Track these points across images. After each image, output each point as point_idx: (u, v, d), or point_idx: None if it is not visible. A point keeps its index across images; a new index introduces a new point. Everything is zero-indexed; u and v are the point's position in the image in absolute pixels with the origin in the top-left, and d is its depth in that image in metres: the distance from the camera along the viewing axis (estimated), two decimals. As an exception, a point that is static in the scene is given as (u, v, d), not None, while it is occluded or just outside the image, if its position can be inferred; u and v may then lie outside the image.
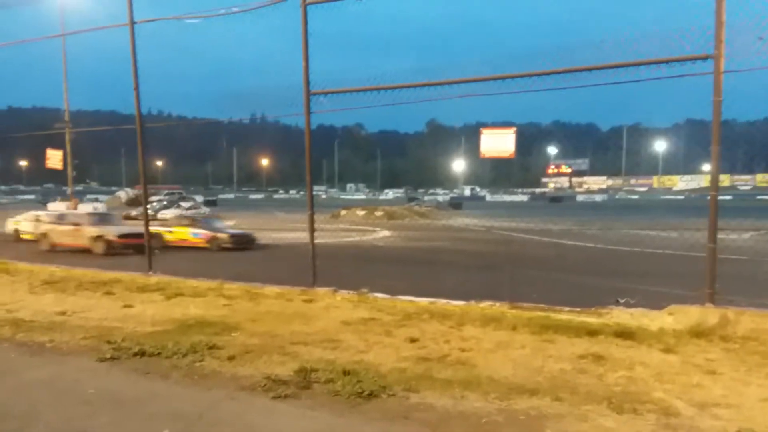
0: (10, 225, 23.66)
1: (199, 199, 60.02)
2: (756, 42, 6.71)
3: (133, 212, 36.87)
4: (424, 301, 8.91)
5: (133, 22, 11.43)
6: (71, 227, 19.52)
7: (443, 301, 8.92)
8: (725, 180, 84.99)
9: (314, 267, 9.97)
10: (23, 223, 22.99)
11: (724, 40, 7.04)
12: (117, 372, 5.56)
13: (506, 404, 4.60)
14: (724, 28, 6.99)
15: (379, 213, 38.66)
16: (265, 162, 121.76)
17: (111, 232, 18.73)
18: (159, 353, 5.99)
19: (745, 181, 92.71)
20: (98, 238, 18.59)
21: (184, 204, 43.05)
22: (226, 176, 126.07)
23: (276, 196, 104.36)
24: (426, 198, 70.52)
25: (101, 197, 66.62)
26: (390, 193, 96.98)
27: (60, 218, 20.74)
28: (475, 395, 4.80)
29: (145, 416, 4.41)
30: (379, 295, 9.43)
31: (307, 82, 9.69)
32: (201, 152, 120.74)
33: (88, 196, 65.77)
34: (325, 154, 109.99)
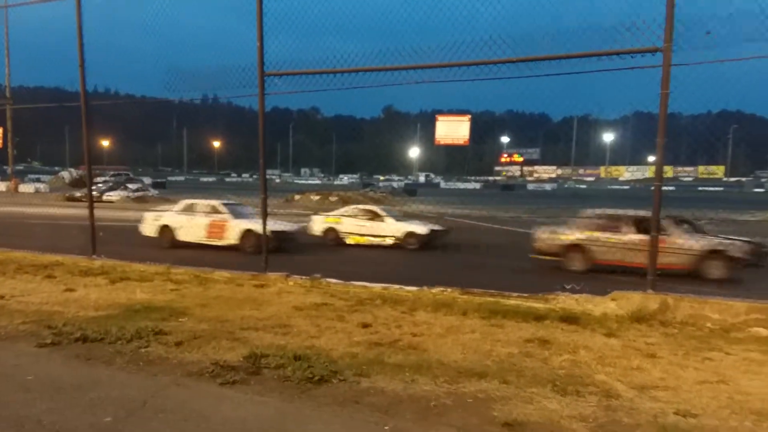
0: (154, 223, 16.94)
1: (147, 181, 58.30)
2: (703, 36, 6.93)
3: (77, 193, 35.53)
4: (377, 286, 8.93)
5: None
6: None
7: (396, 286, 8.96)
8: (669, 171, 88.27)
9: (266, 252, 9.85)
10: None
11: (673, 33, 7.23)
12: (58, 358, 5.36)
13: (455, 387, 4.67)
14: (673, 22, 7.17)
15: (333, 198, 38.44)
16: (217, 144, 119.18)
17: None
18: (102, 339, 5.80)
19: (687, 173, 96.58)
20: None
21: (131, 186, 41.75)
22: (177, 158, 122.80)
23: (228, 179, 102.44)
24: (381, 184, 70.64)
25: (43, 177, 63.95)
26: (345, 179, 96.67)
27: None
28: (425, 379, 4.85)
29: (87, 403, 4.27)
30: (333, 280, 9.40)
31: (262, 63, 9.48)
32: (150, 133, 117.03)
33: (30, 176, 63.07)
34: (280, 138, 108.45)
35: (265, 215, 9.99)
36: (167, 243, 15.86)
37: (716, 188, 75.48)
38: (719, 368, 5.36)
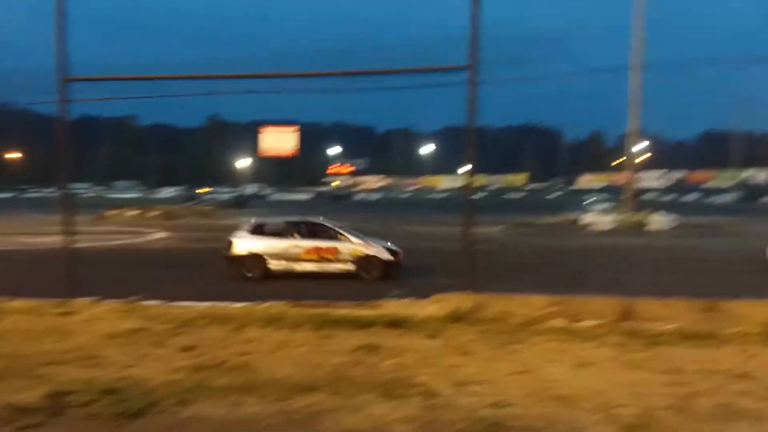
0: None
1: None
2: (506, 57, 7.68)
3: None
4: (202, 305, 8.49)
5: None
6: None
7: (224, 304, 8.61)
8: (479, 180, 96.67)
9: (72, 275, 8.86)
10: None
11: (478, 54, 7.86)
12: None
13: (285, 404, 4.58)
14: (477, 43, 7.80)
15: (154, 213, 35.98)
16: (14, 156, 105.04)
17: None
18: None
19: (495, 182, 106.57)
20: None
21: None
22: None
23: (28, 195, 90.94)
24: (207, 196, 67.74)
25: None
26: (167, 192, 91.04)
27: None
28: (254, 399, 4.70)
29: None
30: (152, 302, 8.75)
31: (63, 67, 8.56)
32: None
33: None
34: (90, 148, 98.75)
35: (70, 233, 8.99)
36: None
37: (519, 195, 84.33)
38: (525, 359, 5.93)
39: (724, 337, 6.67)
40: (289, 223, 13.61)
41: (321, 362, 5.73)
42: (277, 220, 14.38)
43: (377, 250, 13.03)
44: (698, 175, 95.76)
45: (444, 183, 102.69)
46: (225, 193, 74.65)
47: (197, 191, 74.65)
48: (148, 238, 23.82)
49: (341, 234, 13.28)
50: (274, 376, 5.27)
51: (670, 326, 7.05)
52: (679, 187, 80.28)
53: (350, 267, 12.94)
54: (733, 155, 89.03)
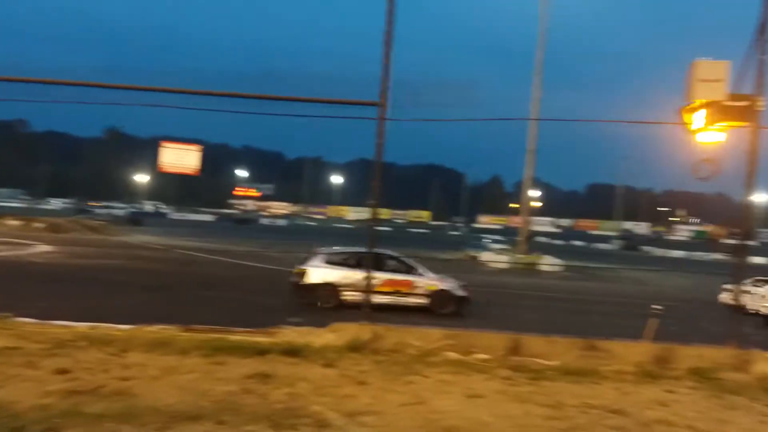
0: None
1: None
2: (409, 97, 7.94)
3: None
4: (83, 326, 7.92)
5: None
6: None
7: (107, 325, 8.08)
8: (386, 213, 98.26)
9: None
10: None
11: (388, 92, 8.07)
12: None
13: (165, 434, 4.34)
14: (387, 82, 8.03)
15: (39, 225, 33.41)
16: None
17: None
18: None
19: (401, 216, 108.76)
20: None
21: None
22: None
23: None
24: (100, 211, 63.83)
25: None
26: (56, 203, 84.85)
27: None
28: (131, 428, 4.40)
29: None
30: (27, 320, 8.06)
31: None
32: None
33: None
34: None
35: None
36: None
37: (423, 230, 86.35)
38: (418, 390, 6.00)
39: (602, 374, 7.11)
40: (364, 254, 12.44)
41: (209, 390, 5.48)
42: (351, 250, 13.86)
43: (451, 285, 13.26)
44: (585, 223, 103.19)
45: (351, 214, 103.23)
46: (120, 209, 70.80)
47: (89, 204, 70.21)
48: (31, 251, 22.04)
49: (416, 268, 13.39)
50: (156, 404, 4.97)
51: (553, 362, 7.43)
52: (568, 233, 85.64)
53: (424, 301, 12.97)
54: (616, 207, 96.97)
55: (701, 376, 7.17)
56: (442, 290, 13.09)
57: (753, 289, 15.24)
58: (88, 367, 5.99)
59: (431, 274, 13.41)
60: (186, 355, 6.75)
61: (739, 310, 8.69)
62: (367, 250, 9.70)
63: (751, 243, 10.80)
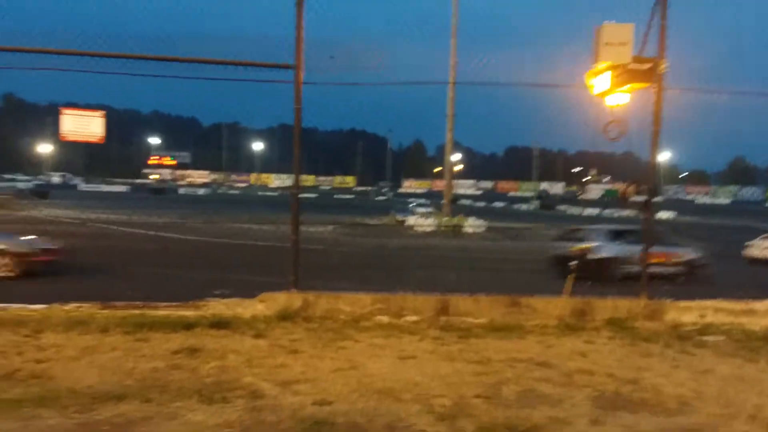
0: None
1: None
2: (327, 59, 7.72)
3: None
4: (-11, 307, 7.36)
5: None
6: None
7: (17, 305, 7.58)
8: (310, 180, 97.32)
9: None
10: None
11: (303, 55, 7.75)
12: None
13: (88, 416, 4.13)
14: (302, 43, 7.71)
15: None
16: None
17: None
18: None
19: (326, 183, 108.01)
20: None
21: None
22: None
23: None
24: (2, 184, 59.34)
25: None
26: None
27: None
28: (51, 412, 4.16)
29: None
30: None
31: None
32: None
33: None
34: None
35: None
36: None
37: (349, 196, 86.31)
38: (350, 355, 6.02)
39: (527, 329, 7.42)
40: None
41: (133, 368, 5.26)
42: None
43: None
44: (505, 185, 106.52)
45: (275, 181, 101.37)
46: (24, 181, 66.14)
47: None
48: None
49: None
50: (76, 386, 4.72)
51: (480, 320, 7.67)
52: (489, 195, 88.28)
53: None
54: (533, 168, 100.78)
55: (617, 326, 7.63)
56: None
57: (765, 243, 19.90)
58: (0, 351, 5.60)
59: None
60: (106, 333, 6.44)
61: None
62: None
63: (657, 199, 11.56)
